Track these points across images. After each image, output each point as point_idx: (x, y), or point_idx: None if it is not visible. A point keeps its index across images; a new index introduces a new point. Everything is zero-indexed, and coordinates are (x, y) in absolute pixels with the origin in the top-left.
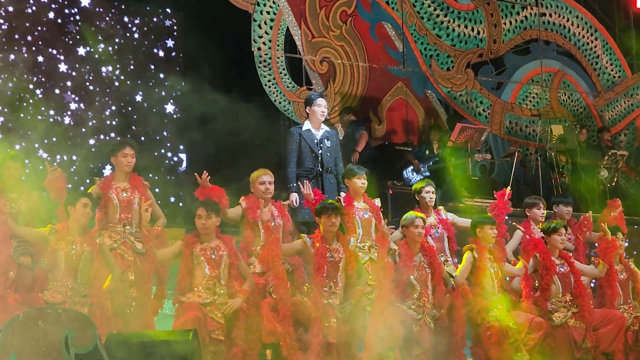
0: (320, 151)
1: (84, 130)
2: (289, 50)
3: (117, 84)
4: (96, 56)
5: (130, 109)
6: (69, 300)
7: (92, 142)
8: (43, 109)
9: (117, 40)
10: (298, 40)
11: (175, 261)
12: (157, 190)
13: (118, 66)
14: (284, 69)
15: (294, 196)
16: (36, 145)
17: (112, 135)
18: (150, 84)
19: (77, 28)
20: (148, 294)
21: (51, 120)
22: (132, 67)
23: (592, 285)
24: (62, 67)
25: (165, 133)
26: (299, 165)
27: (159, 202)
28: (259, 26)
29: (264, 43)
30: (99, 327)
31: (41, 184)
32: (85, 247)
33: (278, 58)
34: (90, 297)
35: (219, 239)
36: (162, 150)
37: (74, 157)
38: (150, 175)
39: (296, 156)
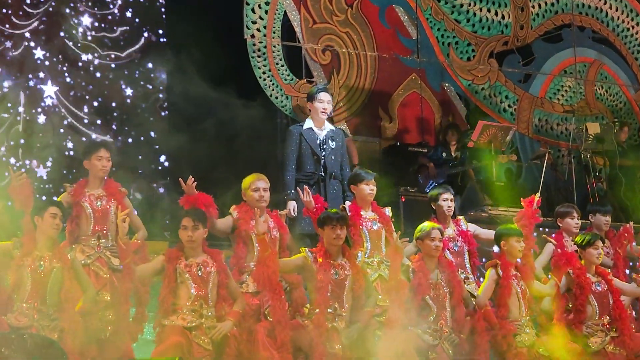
0: (323, 153)
1: (62, 131)
2: (287, 37)
3: (98, 75)
4: (70, 43)
5: (114, 104)
6: (36, 324)
7: (69, 145)
8: (10, 105)
9: (96, 24)
10: (297, 26)
11: (157, 279)
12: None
13: (96, 55)
14: (281, 59)
15: (292, 204)
16: (2, 148)
17: (93, 136)
18: (136, 75)
19: (51, 9)
20: (126, 316)
21: (18, 118)
22: (113, 55)
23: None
24: (38, 54)
25: (152, 134)
26: (299, 169)
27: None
28: (252, 10)
29: (258, 29)
30: (70, 355)
31: (5, 192)
32: (54, 263)
33: (274, 47)
34: (60, 321)
35: (206, 254)
36: (147, 152)
37: (49, 162)
38: (135, 183)
39: (295, 159)
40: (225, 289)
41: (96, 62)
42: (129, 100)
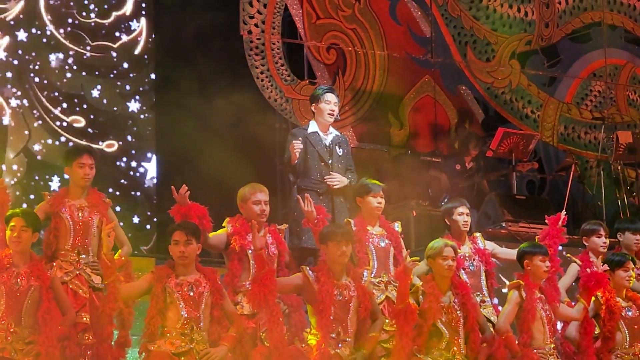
0: (330, 160)
1: (26, 132)
2: (288, 34)
3: (69, 75)
4: (44, 40)
5: (85, 106)
6: (9, 347)
7: (37, 147)
8: None
9: (69, 20)
10: (299, 22)
11: (143, 299)
12: (117, 208)
13: (71, 53)
14: (280, 58)
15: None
16: None
17: (62, 139)
18: (111, 75)
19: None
20: (108, 340)
21: None
22: (88, 54)
23: None
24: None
25: (129, 137)
26: (304, 175)
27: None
28: (250, 3)
29: (256, 25)
30: None
31: None
32: (33, 281)
33: (273, 44)
34: (36, 345)
35: (199, 272)
36: (125, 159)
37: (15, 167)
38: (111, 190)
39: (300, 162)
40: (219, 311)
41: (70, 60)
42: (105, 101)
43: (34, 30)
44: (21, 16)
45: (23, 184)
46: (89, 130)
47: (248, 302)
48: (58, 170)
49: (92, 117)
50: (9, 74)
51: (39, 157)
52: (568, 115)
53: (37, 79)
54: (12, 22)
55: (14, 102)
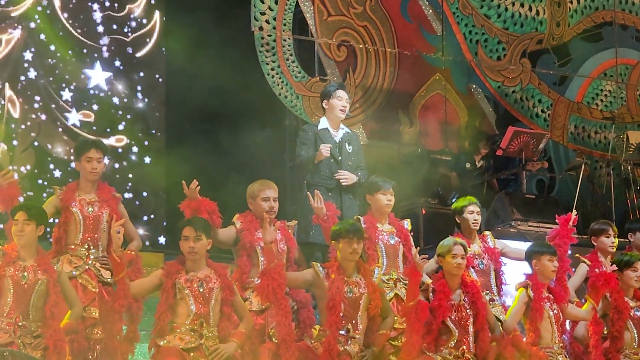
0: (340, 157)
1: (37, 127)
2: (299, 31)
3: (78, 69)
4: (57, 33)
5: (95, 100)
6: (18, 340)
7: (47, 142)
8: None
9: (82, 13)
10: (310, 18)
11: (152, 295)
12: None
13: (82, 46)
14: (291, 55)
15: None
16: None
17: (72, 133)
18: (122, 69)
19: None
20: (117, 335)
21: None
22: (100, 47)
23: None
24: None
25: (139, 132)
26: (314, 171)
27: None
28: (262, 0)
29: (267, 21)
30: None
31: None
32: (40, 275)
33: (284, 41)
34: (44, 339)
35: (209, 268)
36: (134, 153)
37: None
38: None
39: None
40: (229, 307)
41: (82, 53)
42: (117, 102)
43: (45, 24)
44: (33, 9)
45: (32, 179)
46: (99, 124)
47: (256, 296)
48: (66, 165)
49: (102, 111)
50: (18, 68)
51: (50, 153)
52: (578, 115)
53: (47, 73)
54: (22, 16)
55: (22, 96)
